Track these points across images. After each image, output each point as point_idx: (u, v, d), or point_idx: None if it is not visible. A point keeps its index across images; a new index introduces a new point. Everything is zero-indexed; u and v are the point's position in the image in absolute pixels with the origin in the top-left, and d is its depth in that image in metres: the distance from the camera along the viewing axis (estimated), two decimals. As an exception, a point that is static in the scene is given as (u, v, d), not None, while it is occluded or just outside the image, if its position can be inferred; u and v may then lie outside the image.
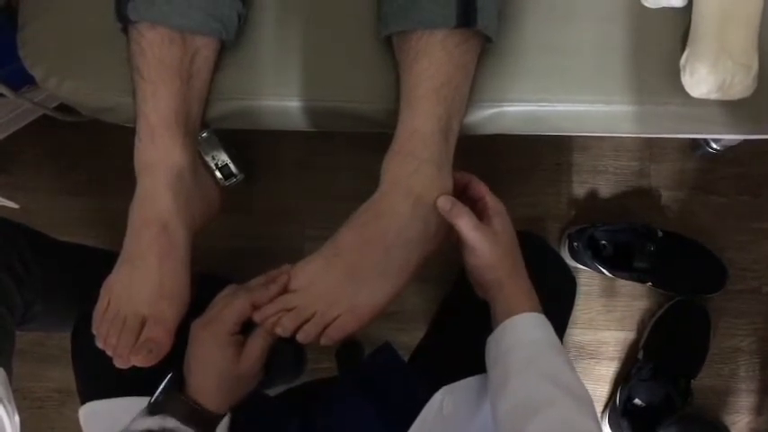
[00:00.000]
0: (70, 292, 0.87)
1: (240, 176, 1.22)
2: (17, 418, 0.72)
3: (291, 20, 0.79)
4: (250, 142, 1.27)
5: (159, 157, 0.72)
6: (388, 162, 0.70)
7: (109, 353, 0.70)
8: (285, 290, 0.69)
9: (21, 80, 0.97)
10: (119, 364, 0.70)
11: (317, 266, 0.70)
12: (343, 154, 1.28)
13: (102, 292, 0.73)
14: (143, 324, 0.70)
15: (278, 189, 1.28)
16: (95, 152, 1.30)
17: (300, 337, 0.67)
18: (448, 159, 0.70)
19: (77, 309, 0.82)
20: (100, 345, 0.71)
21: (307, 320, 0.68)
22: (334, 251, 0.69)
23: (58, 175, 1.30)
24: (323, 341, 0.68)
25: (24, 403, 1.25)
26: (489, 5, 0.68)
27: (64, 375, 1.25)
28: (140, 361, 0.69)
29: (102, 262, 1.03)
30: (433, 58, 0.67)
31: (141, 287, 0.71)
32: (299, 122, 0.82)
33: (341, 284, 0.68)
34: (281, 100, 0.79)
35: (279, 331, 0.67)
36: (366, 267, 0.69)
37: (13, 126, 1.20)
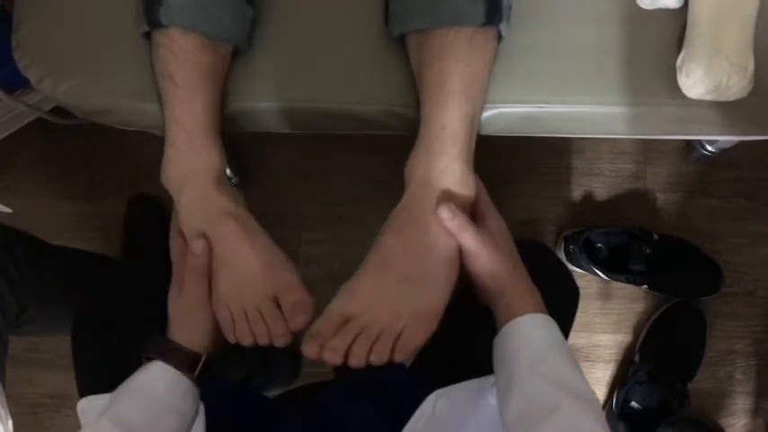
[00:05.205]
0: (65, 295, 0.87)
1: (234, 180, 1.22)
2: (10, 423, 0.71)
3: (290, 22, 0.79)
4: (245, 146, 1.26)
5: (201, 164, 0.71)
6: (417, 163, 0.69)
7: (265, 342, 0.69)
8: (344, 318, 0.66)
9: (15, 83, 0.97)
10: (281, 342, 0.68)
11: (368, 281, 0.67)
12: (338, 157, 1.28)
13: (217, 307, 0.70)
14: (276, 302, 0.69)
15: (273, 193, 1.28)
16: (90, 156, 1.29)
17: (375, 360, 0.64)
18: (471, 155, 0.70)
19: (73, 311, 0.81)
20: (248, 342, 0.69)
21: (375, 341, 0.65)
22: (380, 260, 0.67)
23: (52, 179, 1.30)
24: (397, 358, 0.65)
25: (17, 409, 1.24)
26: (507, 4, 0.69)
27: (57, 381, 1.24)
28: (298, 323, 0.68)
29: (96, 265, 1.04)
30: (460, 56, 0.67)
31: (251, 274, 0.70)
32: (297, 124, 0.82)
33: (398, 293, 0.66)
34: (279, 102, 0.78)
35: (354, 363, 0.64)
36: (417, 269, 0.67)
37: (7, 130, 1.20)
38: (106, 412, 0.64)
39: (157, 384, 0.66)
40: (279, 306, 0.69)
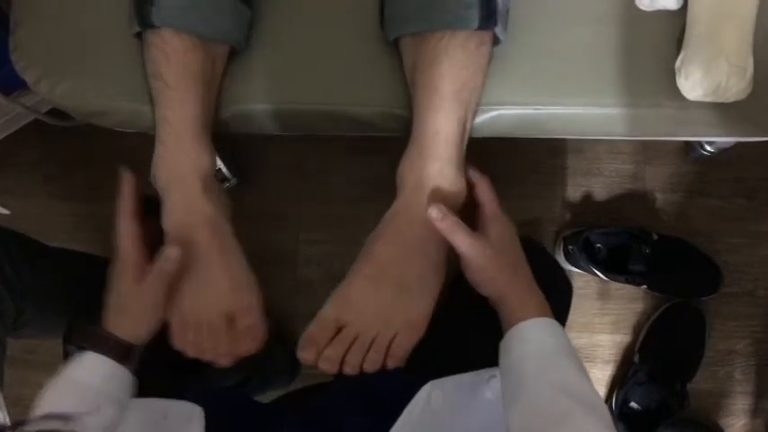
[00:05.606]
0: (62, 298, 0.86)
1: (233, 181, 1.21)
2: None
3: (288, 23, 0.79)
4: (243, 146, 1.26)
5: (189, 165, 0.70)
6: (410, 166, 0.69)
7: (208, 358, 0.69)
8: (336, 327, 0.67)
9: (12, 84, 0.97)
10: (222, 363, 0.69)
11: (363, 288, 0.68)
12: (338, 158, 1.27)
13: (171, 311, 0.70)
14: (230, 320, 0.69)
15: (271, 193, 1.28)
16: (88, 157, 1.29)
17: (368, 368, 0.66)
18: (463, 157, 0.70)
19: (70, 313, 0.81)
20: (191, 354, 0.69)
21: (368, 349, 0.66)
22: (376, 269, 0.68)
23: (50, 180, 1.29)
24: (390, 364, 0.66)
25: (15, 410, 1.22)
26: (504, 8, 0.69)
27: (56, 382, 1.24)
28: (246, 349, 0.69)
29: (94, 267, 1.03)
30: (454, 60, 0.67)
31: (215, 288, 0.70)
32: (294, 126, 0.81)
33: (394, 301, 0.67)
34: (276, 104, 0.78)
35: (348, 372, 0.66)
36: (412, 277, 0.68)
37: (5, 131, 1.20)
38: (36, 410, 0.64)
39: (94, 378, 0.64)
40: (231, 325, 0.70)
